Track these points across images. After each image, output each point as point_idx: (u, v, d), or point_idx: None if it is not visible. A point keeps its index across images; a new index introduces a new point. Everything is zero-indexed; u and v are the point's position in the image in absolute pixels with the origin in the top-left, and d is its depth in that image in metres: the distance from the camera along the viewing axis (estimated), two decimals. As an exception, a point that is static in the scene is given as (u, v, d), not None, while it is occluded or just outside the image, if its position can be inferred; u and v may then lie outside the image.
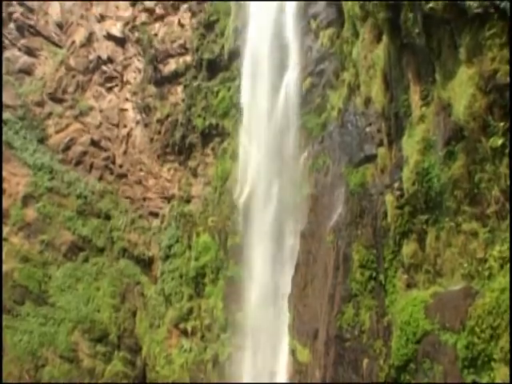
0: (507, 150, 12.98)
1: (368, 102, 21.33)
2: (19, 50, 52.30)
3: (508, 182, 13.10)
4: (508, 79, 12.70)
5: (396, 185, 18.50)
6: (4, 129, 46.43)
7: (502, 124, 13.08)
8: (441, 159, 15.74)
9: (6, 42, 52.06)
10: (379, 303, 19.15)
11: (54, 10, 52.67)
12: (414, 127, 17.70)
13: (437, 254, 16.30)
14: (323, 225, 24.20)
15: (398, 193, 18.31)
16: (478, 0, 12.95)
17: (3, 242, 41.24)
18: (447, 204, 15.59)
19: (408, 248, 17.73)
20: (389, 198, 18.81)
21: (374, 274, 19.62)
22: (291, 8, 30.97)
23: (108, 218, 46.82)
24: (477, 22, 13.49)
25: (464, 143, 14.64)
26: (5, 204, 42.66)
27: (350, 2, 22.46)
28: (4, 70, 50.66)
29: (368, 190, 21.00)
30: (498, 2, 12.57)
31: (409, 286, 17.80)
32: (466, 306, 14.08)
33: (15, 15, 52.61)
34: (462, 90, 14.27)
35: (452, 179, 15.10)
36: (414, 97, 17.87)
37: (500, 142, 13.08)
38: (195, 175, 43.47)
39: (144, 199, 48.17)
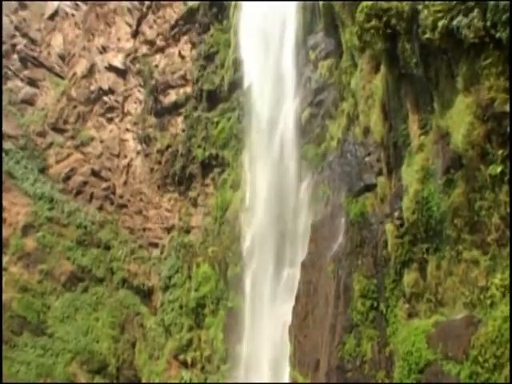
0: (506, 178, 13.03)
1: (367, 131, 21.43)
2: (22, 80, 53.03)
3: (508, 210, 13.11)
4: (505, 107, 12.82)
5: (396, 214, 18.46)
6: (5, 159, 46.72)
7: (500, 152, 13.17)
8: (440, 188, 15.78)
9: (9, 72, 52.91)
10: (381, 333, 18.95)
11: (57, 41, 53.56)
12: (413, 156, 17.76)
13: (438, 282, 16.21)
14: (323, 255, 24.07)
15: (398, 222, 18.27)
16: (474, 30, 13.14)
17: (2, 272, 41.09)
18: (447, 232, 15.55)
19: (409, 277, 17.62)
20: (389, 227, 18.77)
21: (375, 304, 19.45)
22: (290, 39, 31.36)
23: (108, 248, 46.74)
24: (473, 52, 13.69)
25: (463, 171, 14.69)
26: (5, 233, 42.63)
27: (347, 33, 22.76)
28: (6, 101, 51.30)
29: (368, 220, 20.95)
30: (493, 32, 12.76)
31: (410, 315, 17.63)
32: (468, 335, 13.94)
33: (19, 47, 53.50)
34: (460, 119, 14.39)
35: (452, 207, 15.11)
36: (413, 126, 17.99)
37: (499, 169, 13.14)
38: (195, 205, 43.47)
39: (144, 229, 48.12)
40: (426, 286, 16.84)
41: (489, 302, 13.66)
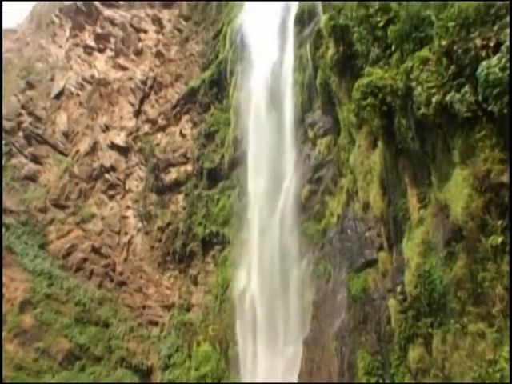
0: (507, 248, 13.06)
1: (366, 207, 21.67)
2: (26, 157, 54.02)
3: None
4: (502, 178, 13.03)
5: (398, 289, 18.38)
6: (6, 234, 46.69)
7: (500, 222, 13.27)
8: (442, 260, 15.77)
9: (13, 149, 54.05)
10: (387, 412, 18.39)
11: (62, 119, 54.95)
12: (413, 230, 17.87)
13: (444, 357, 15.86)
14: (326, 332, 23.74)
15: (400, 297, 18.16)
16: (467, 105, 13.56)
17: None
18: (451, 305, 15.39)
19: (414, 352, 17.28)
20: (391, 302, 18.64)
21: (381, 381, 19.03)
22: (289, 118, 32.13)
23: (106, 325, 45.73)
24: (467, 126, 14.11)
25: (464, 243, 14.73)
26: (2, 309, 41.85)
27: (345, 111, 23.41)
28: (10, 176, 52.12)
29: (370, 295, 20.86)
30: (485, 106, 13.16)
31: (417, 392, 17.19)
32: (478, 412, 13.52)
33: (24, 125, 54.93)
34: (458, 191, 14.59)
35: (454, 280, 15.03)
36: (412, 200, 18.20)
37: (500, 240, 13.19)
38: (196, 283, 43.05)
39: (144, 307, 47.39)
40: (432, 361, 16.48)
41: (498, 375, 13.32)
